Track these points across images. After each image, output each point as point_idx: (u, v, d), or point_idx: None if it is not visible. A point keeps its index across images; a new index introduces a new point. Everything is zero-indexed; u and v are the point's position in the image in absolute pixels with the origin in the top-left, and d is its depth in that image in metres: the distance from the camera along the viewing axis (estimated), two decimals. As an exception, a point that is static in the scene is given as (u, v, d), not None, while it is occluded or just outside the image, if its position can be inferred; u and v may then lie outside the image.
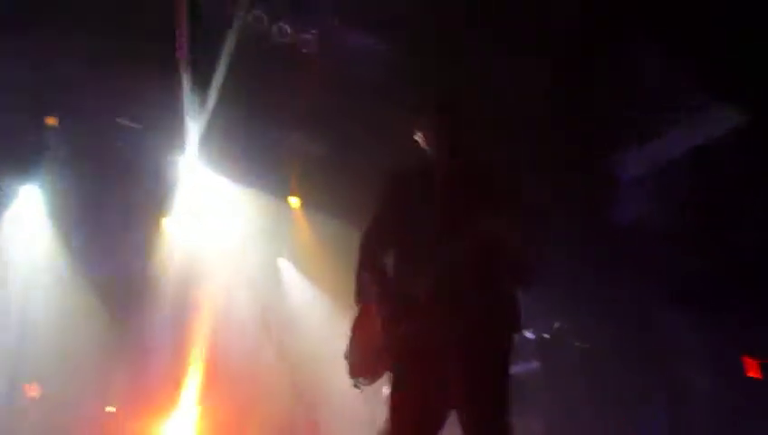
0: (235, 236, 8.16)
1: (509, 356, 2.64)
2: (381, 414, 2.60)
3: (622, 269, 6.22)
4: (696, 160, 5.83)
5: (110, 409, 7.16)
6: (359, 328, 2.70)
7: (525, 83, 6.09)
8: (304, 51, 6.78)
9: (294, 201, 8.35)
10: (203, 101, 6.73)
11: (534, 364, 6.24)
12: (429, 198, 2.67)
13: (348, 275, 2.83)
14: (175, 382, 7.42)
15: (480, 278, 2.57)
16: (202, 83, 6.60)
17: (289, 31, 6.69)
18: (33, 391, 5.49)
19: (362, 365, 2.64)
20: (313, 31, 6.82)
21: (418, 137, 2.85)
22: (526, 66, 5.95)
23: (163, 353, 7.55)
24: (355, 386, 2.65)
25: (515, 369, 6.28)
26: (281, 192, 8.28)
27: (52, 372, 6.82)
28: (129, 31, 6.08)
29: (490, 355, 2.57)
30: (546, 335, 6.65)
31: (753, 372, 5.64)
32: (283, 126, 7.59)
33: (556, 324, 6.58)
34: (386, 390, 2.56)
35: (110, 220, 7.65)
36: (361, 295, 2.73)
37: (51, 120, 6.87)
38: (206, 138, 7.30)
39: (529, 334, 6.27)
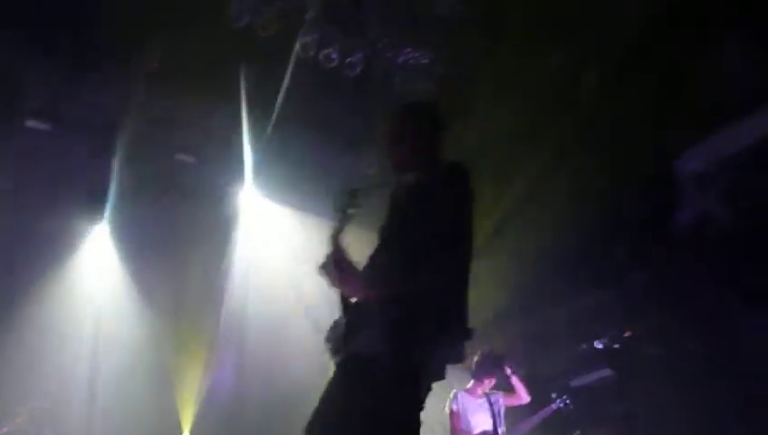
0: (296, 262, 8.28)
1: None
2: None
3: (694, 273, 6.02)
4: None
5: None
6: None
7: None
8: (351, 74, 6.91)
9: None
10: (260, 131, 6.96)
11: (606, 373, 6.08)
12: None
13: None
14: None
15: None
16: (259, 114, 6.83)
17: (336, 56, 6.85)
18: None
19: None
20: (359, 54, 6.98)
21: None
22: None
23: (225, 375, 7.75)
24: None
25: (586, 379, 6.17)
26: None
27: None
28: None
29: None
30: (616, 345, 6.47)
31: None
32: (339, 150, 7.72)
33: (627, 333, 6.40)
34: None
35: (174, 251, 7.93)
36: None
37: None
38: (264, 166, 7.51)
39: (598, 344, 6.12)
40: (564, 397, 5.48)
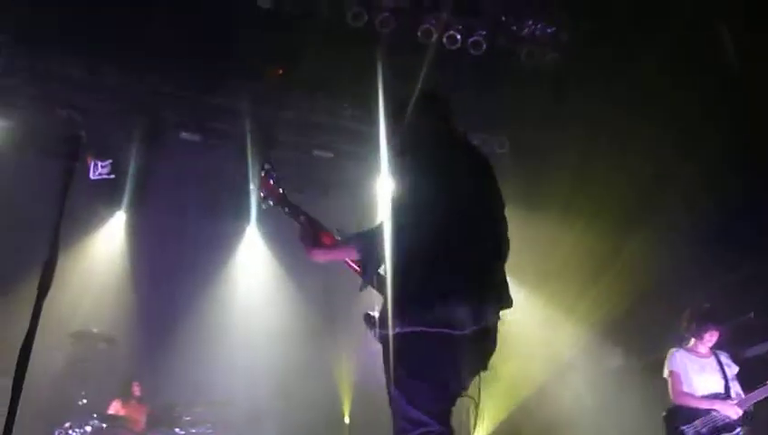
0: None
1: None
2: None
3: None
4: None
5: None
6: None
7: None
8: (477, 53, 6.87)
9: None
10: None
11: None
12: None
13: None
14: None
15: None
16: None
17: (459, 37, 6.83)
18: None
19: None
20: (482, 32, 6.91)
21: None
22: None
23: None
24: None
25: (761, 347, 5.70)
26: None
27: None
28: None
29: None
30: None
31: None
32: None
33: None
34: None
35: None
36: None
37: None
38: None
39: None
40: None
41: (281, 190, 2.78)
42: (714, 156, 5.85)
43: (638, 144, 6.47)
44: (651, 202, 6.40)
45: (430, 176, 2.41)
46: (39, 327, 2.16)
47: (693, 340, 4.79)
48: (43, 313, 2.16)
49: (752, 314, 5.39)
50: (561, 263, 6.96)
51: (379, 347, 2.42)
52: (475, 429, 2.58)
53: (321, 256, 2.64)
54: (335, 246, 2.62)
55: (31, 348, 2.11)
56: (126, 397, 6.78)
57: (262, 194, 2.81)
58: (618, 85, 6.39)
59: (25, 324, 2.13)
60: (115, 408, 6.70)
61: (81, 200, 7.37)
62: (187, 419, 6.64)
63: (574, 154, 6.79)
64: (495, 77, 7.17)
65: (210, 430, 6.64)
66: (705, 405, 4.43)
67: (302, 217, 2.67)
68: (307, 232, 2.63)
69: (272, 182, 2.78)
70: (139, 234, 8.10)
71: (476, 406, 2.40)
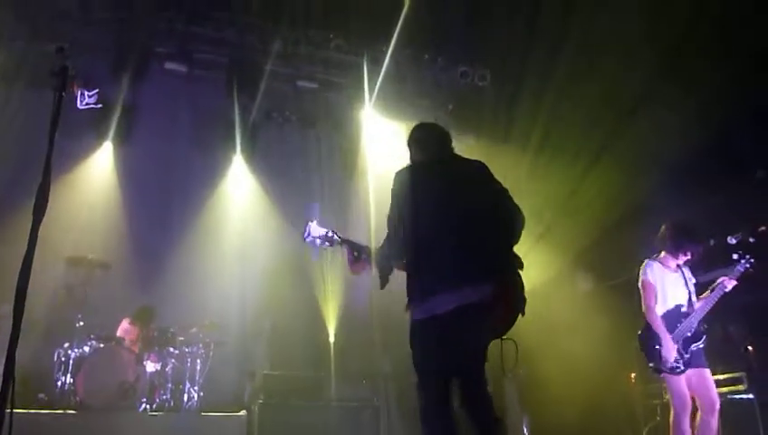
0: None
1: None
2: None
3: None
4: None
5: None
6: None
7: None
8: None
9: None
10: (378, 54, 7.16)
11: (739, 268, 5.90)
12: None
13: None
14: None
15: None
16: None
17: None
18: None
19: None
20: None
21: None
22: None
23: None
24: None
25: (716, 273, 6.02)
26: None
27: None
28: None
29: None
30: (752, 239, 6.23)
31: None
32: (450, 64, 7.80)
33: (761, 228, 6.17)
34: None
35: (303, 169, 8.57)
36: None
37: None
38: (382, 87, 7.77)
39: (732, 239, 5.90)
40: (747, 256, 4.81)
41: (328, 233, 3.48)
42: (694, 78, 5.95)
43: (613, 68, 6.54)
44: (626, 129, 6.55)
45: (395, 202, 3.14)
46: (37, 254, 2.29)
47: (665, 254, 4.95)
48: (40, 240, 2.33)
49: (711, 242, 5.68)
50: (538, 191, 7.21)
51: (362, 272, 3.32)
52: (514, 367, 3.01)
53: (358, 271, 3.39)
54: (364, 264, 3.36)
55: (30, 269, 2.26)
56: (136, 320, 7.09)
57: (316, 240, 3.47)
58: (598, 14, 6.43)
59: (22, 251, 2.25)
60: (123, 327, 7.04)
61: (71, 131, 7.47)
62: (181, 339, 6.99)
63: (551, 84, 6.89)
64: (478, 11, 7.19)
65: (203, 350, 7.01)
66: (662, 331, 4.66)
67: (345, 248, 3.42)
68: (350, 257, 3.38)
69: (320, 229, 3.47)
70: (127, 164, 8.23)
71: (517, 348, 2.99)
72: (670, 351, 4.64)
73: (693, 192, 6.52)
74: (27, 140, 6.12)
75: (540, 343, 7.19)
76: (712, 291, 4.82)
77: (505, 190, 3.14)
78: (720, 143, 6.15)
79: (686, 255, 4.89)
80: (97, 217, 7.88)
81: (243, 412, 6.57)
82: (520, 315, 3.00)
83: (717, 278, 4.91)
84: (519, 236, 3.11)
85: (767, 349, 5.88)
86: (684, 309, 4.81)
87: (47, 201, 2.35)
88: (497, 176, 3.20)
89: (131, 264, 7.70)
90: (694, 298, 4.88)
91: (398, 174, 3.18)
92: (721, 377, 6.13)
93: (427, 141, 3.38)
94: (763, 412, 5.60)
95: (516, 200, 3.15)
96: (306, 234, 3.43)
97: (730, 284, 4.78)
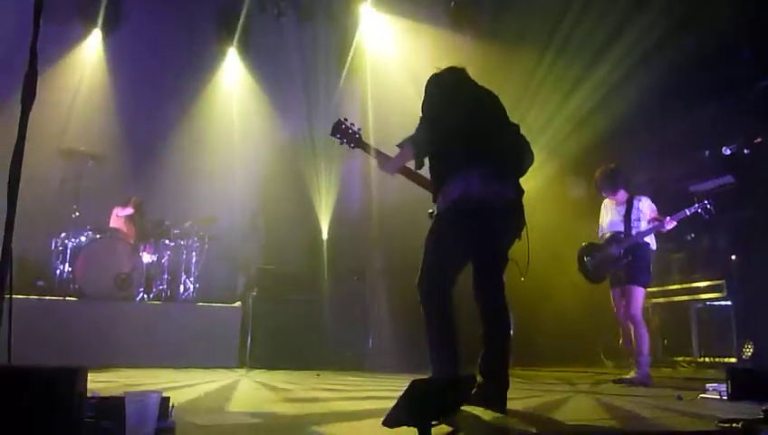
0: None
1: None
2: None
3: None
4: None
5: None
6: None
7: None
8: None
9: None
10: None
11: (727, 180, 5.98)
12: None
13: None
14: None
15: None
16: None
17: None
18: None
19: None
20: None
21: None
22: None
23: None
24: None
25: (708, 184, 6.10)
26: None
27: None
28: None
29: None
30: (746, 151, 6.24)
31: None
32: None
33: (757, 139, 6.16)
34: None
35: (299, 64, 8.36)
36: None
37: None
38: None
39: (726, 151, 5.93)
40: (706, 201, 5.16)
41: (357, 135, 3.54)
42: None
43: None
44: (622, 35, 6.45)
45: (436, 99, 3.28)
46: (30, 146, 2.22)
47: (606, 193, 5.52)
48: (31, 131, 2.28)
49: (706, 153, 5.72)
50: (533, 95, 7.13)
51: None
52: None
53: (392, 169, 3.40)
54: (396, 159, 3.37)
55: (21, 158, 2.24)
56: (125, 207, 7.15)
57: (344, 139, 3.54)
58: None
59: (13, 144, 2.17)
60: (115, 215, 7.11)
61: (57, 18, 7.21)
62: (176, 232, 7.09)
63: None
64: None
65: (197, 244, 7.14)
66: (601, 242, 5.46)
67: (373, 151, 3.46)
68: (381, 158, 3.41)
69: (350, 130, 3.53)
70: (118, 53, 8.00)
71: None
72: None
73: (691, 103, 6.46)
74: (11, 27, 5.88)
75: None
76: (649, 223, 5.34)
77: (518, 126, 3.32)
78: (719, 54, 6.06)
79: (615, 195, 5.42)
80: (87, 108, 7.76)
81: (237, 304, 6.82)
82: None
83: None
84: (526, 171, 3.30)
85: (749, 260, 6.08)
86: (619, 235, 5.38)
87: (35, 91, 2.29)
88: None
89: (124, 156, 7.66)
90: (635, 224, 5.35)
91: (438, 76, 3.33)
92: (702, 284, 6.39)
93: (454, 75, 3.42)
94: (737, 318, 5.93)
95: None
96: (337, 130, 3.52)
97: (670, 224, 5.22)
